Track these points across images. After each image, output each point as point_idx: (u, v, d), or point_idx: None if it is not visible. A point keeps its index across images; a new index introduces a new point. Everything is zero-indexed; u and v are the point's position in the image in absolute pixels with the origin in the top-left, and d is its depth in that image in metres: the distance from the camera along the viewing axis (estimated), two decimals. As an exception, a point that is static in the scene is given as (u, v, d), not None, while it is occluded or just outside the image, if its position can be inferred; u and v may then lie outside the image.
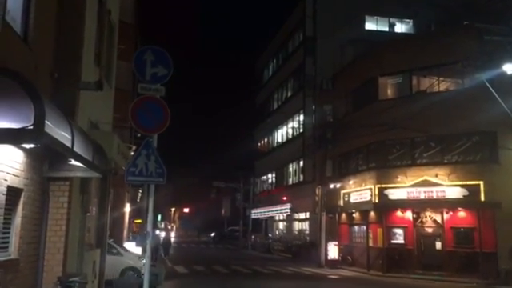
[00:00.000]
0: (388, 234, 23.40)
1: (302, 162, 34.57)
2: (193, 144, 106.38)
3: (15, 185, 6.87)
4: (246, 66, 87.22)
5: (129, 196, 27.96)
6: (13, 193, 6.87)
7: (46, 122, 5.26)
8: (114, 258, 14.76)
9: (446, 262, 21.36)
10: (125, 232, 25.76)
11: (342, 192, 27.44)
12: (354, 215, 26.86)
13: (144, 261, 15.17)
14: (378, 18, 34.65)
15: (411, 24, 34.92)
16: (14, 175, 6.77)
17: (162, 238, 31.98)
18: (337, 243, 26.77)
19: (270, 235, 44.39)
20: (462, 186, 21.25)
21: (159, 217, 66.76)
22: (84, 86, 8.93)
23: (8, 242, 6.98)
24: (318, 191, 28.44)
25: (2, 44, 6.03)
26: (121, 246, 17.78)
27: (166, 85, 7.81)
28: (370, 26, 34.30)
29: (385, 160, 24.16)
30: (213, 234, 59.81)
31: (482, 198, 20.61)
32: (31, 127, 5.12)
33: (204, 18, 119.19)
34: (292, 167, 37.58)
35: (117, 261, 14.08)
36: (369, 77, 25.82)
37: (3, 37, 6.08)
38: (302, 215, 35.53)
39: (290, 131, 38.48)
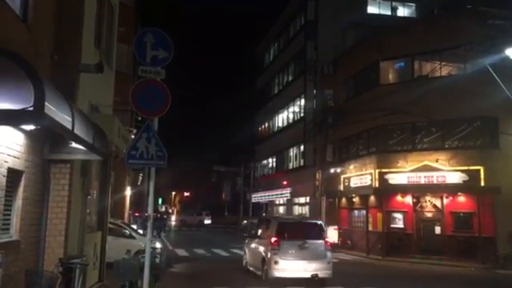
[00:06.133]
0: (388, 219, 23.51)
1: (302, 147, 34.57)
2: (193, 128, 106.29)
3: (16, 167, 6.88)
4: (247, 50, 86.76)
5: (129, 179, 28.05)
6: (13, 175, 6.88)
7: (46, 103, 5.24)
8: (126, 241, 14.86)
9: (445, 247, 21.49)
10: (126, 215, 25.88)
11: (343, 177, 27.49)
12: (353, 200, 26.95)
13: (157, 243, 15.43)
14: (381, 1, 34.30)
15: (414, 8, 34.62)
16: (14, 157, 6.77)
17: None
18: (337, 227, 26.91)
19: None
20: (462, 171, 21.28)
21: (160, 200, 67.17)
22: (84, 68, 8.88)
23: (9, 224, 7.01)
24: (318, 176, 28.51)
25: (0, 24, 5.98)
26: (133, 228, 17.83)
27: (167, 68, 7.77)
28: (372, 9, 33.98)
29: (385, 145, 24.16)
30: None
31: (482, 184, 20.66)
32: (31, 108, 5.10)
33: (205, 2, 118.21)
34: (292, 152, 37.59)
35: (129, 243, 14.13)
36: (370, 61, 25.67)
37: (2, 17, 6.03)
38: (302, 199, 35.65)
39: (291, 116, 38.41)
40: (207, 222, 56.87)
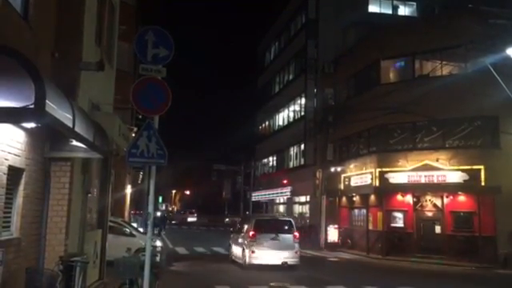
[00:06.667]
0: (388, 218, 23.50)
1: (303, 146, 34.55)
2: (194, 126, 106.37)
3: (16, 165, 6.87)
4: (247, 49, 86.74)
5: (130, 178, 28.02)
6: (14, 173, 6.87)
7: (47, 101, 5.23)
8: (126, 239, 14.93)
9: (445, 246, 21.49)
10: (126, 213, 25.88)
11: (343, 176, 27.48)
12: (354, 199, 26.95)
13: (157, 242, 15.56)
14: (382, 0, 34.27)
15: (415, 7, 34.52)
16: (15, 155, 6.77)
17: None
18: (337, 226, 26.92)
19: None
20: (462, 170, 21.27)
21: (160, 199, 67.26)
22: (85, 66, 8.86)
23: (10, 222, 7.01)
24: (318, 175, 28.50)
25: (1, 22, 5.97)
26: (133, 227, 17.91)
27: (168, 66, 7.75)
28: (373, 8, 33.90)
29: (386, 144, 24.14)
30: None
31: (483, 183, 20.64)
32: (32, 106, 5.09)
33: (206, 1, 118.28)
34: (293, 150, 37.56)
35: (130, 242, 14.16)
36: (371, 60, 25.64)
37: (3, 14, 6.02)
38: (302, 198, 35.65)
39: (292, 114, 38.38)
40: (191, 219, 59.60)
